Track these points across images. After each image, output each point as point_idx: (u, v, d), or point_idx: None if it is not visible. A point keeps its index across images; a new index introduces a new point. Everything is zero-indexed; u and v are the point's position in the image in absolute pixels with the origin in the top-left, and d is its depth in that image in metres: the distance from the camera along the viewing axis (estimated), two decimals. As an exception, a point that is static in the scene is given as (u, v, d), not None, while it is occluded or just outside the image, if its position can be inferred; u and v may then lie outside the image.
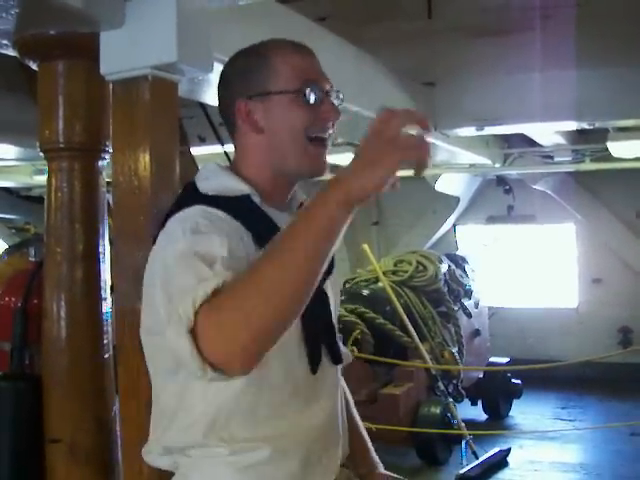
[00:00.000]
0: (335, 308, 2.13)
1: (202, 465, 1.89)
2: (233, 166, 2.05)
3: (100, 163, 2.81)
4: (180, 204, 1.93)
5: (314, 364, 1.93)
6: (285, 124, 1.95)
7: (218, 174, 2.01)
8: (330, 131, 2.00)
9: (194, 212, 1.84)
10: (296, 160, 1.97)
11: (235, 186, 1.96)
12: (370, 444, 2.34)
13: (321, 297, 1.96)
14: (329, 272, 2.04)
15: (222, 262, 1.66)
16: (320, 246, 1.56)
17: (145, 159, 2.44)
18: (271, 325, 1.58)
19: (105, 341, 2.80)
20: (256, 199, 1.95)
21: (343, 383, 2.31)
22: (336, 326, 2.10)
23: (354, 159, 1.55)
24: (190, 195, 1.97)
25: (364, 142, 1.55)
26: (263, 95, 1.96)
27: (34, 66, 2.81)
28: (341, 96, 2.04)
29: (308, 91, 1.94)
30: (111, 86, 2.57)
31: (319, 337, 1.96)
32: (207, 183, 1.98)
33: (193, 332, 1.57)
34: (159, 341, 1.77)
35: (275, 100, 1.96)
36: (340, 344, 2.28)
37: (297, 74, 1.96)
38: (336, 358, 2.01)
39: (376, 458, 2.33)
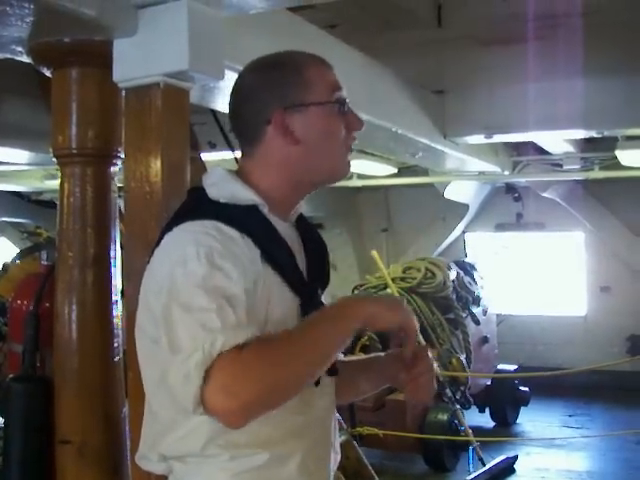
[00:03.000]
0: None
1: (198, 471, 1.89)
2: (242, 173, 2.03)
3: (112, 169, 2.85)
4: (192, 210, 1.94)
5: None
6: (325, 134, 1.99)
7: (227, 181, 2.00)
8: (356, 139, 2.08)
9: (207, 231, 1.83)
10: (333, 167, 2.04)
11: (245, 195, 1.95)
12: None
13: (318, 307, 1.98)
14: (325, 284, 2.10)
15: (243, 307, 1.74)
16: (337, 347, 1.84)
17: (156, 165, 2.47)
18: (280, 400, 1.77)
19: (115, 344, 2.83)
20: (264, 210, 1.96)
21: None
22: None
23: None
24: (201, 201, 1.97)
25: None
26: (300, 106, 1.98)
27: (48, 73, 2.85)
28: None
29: (342, 102, 2.00)
30: (123, 93, 2.60)
31: None
32: (217, 190, 1.97)
33: (210, 372, 1.66)
34: (152, 347, 1.81)
35: (312, 111, 1.98)
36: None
37: (329, 86, 2.01)
38: (332, 370, 1.98)
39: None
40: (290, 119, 1.98)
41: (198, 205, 1.96)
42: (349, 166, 2.08)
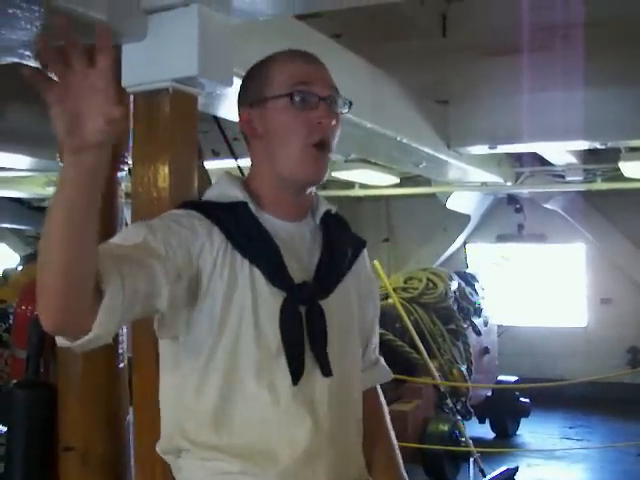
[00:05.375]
0: (346, 322, 2.05)
1: (184, 466, 1.92)
2: (247, 176, 2.07)
3: (119, 174, 2.84)
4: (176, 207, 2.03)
5: (294, 375, 1.88)
6: (277, 128, 1.96)
7: (223, 182, 2.04)
8: (329, 137, 1.96)
9: (173, 211, 1.96)
10: (289, 164, 1.95)
11: (230, 193, 1.97)
12: (397, 461, 2.24)
13: (312, 307, 1.92)
14: (334, 284, 2.01)
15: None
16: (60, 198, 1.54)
17: (164, 171, 2.47)
18: (56, 278, 1.55)
19: (119, 350, 2.82)
20: (251, 207, 1.96)
21: (381, 398, 2.27)
22: (344, 339, 2.03)
23: None
24: (187, 201, 2.07)
25: None
26: (260, 102, 1.98)
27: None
28: (347, 103, 2.02)
29: (296, 94, 1.94)
30: (132, 98, 2.60)
31: (298, 347, 1.89)
32: (210, 191, 2.05)
33: None
34: None
35: (269, 105, 1.97)
36: (379, 359, 2.27)
37: (289, 79, 1.96)
38: (325, 371, 1.93)
39: (401, 474, 2.23)
40: (252, 115, 2.00)
41: (184, 202, 2.04)
42: (317, 167, 1.97)
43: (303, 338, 1.90)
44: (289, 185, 2.00)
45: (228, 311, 1.85)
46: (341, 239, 2.11)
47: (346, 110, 2.03)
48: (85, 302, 1.59)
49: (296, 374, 1.88)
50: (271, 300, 1.88)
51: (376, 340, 2.27)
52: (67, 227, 1.52)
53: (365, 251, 2.23)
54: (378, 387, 2.28)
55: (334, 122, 1.96)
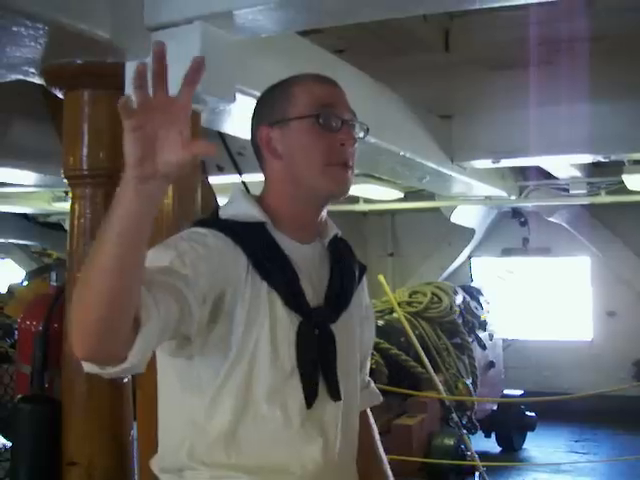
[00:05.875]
0: (349, 346, 2.08)
1: None
2: (261, 194, 2.06)
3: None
4: (194, 224, 1.99)
5: (308, 398, 1.91)
6: (301, 148, 1.97)
7: (238, 199, 2.03)
8: (349, 159, 1.99)
9: (195, 230, 1.91)
10: (313, 181, 1.97)
11: (249, 212, 1.97)
12: None
13: (324, 332, 1.96)
14: (343, 308, 2.04)
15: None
16: (117, 231, 1.52)
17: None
18: (100, 311, 1.53)
19: (124, 366, 2.83)
20: (269, 227, 1.97)
21: (372, 419, 2.33)
22: (349, 363, 2.07)
23: None
24: (207, 218, 2.04)
25: None
26: (282, 122, 1.99)
27: (60, 94, 2.87)
28: (365, 128, 2.06)
29: (323, 116, 1.96)
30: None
31: (314, 372, 1.93)
32: (226, 209, 2.02)
33: None
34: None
35: (292, 126, 1.98)
36: (371, 382, 2.32)
37: (314, 101, 1.98)
38: (335, 395, 1.97)
39: None
40: (274, 135, 2.00)
41: (201, 221, 2.01)
42: (341, 183, 1.99)
43: (317, 362, 1.94)
44: (312, 202, 2.02)
45: (248, 333, 1.86)
46: (349, 264, 2.14)
47: (362, 135, 2.06)
48: (126, 330, 1.57)
49: (311, 398, 1.91)
50: (287, 323, 1.90)
51: (369, 364, 2.32)
52: (119, 255, 1.51)
53: (365, 276, 2.24)
54: (368, 409, 2.33)
55: (355, 145, 2.00)
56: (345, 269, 2.10)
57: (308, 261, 2.01)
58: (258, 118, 2.06)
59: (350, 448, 2.07)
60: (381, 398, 2.35)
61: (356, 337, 2.13)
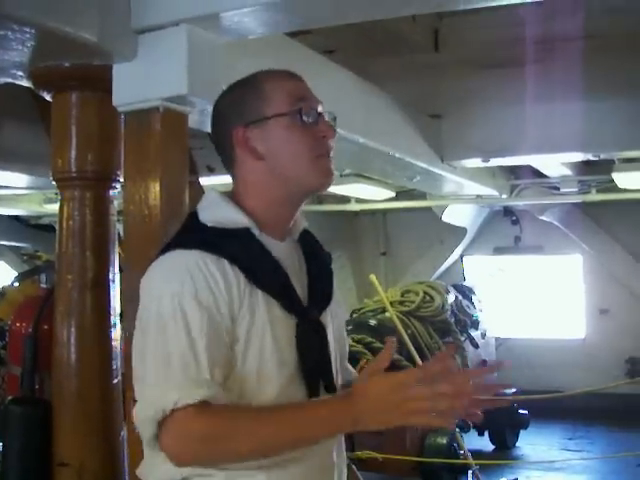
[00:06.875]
0: (335, 339, 2.11)
1: None
2: (233, 197, 2.03)
3: (111, 192, 2.87)
4: (180, 236, 1.97)
5: (311, 395, 1.93)
6: (285, 146, 1.96)
7: (219, 204, 2.00)
8: (330, 149, 2.00)
9: (191, 264, 1.83)
10: (302, 176, 1.97)
11: (234, 218, 1.95)
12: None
13: (317, 329, 1.98)
14: (327, 303, 2.07)
15: (213, 365, 1.78)
16: (310, 439, 1.83)
17: (155, 188, 2.50)
18: (223, 462, 1.82)
19: (114, 367, 2.84)
20: (255, 232, 1.95)
21: None
22: (336, 357, 2.10)
23: (376, 388, 1.76)
24: (190, 227, 1.99)
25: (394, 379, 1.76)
26: (259, 121, 1.97)
27: (48, 97, 2.88)
28: (334, 117, 2.05)
29: (303, 111, 1.96)
30: (123, 117, 2.63)
31: (316, 370, 1.96)
32: (207, 213, 1.98)
33: (165, 420, 1.74)
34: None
35: (272, 124, 1.97)
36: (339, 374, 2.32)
37: (290, 97, 1.98)
38: (331, 389, 1.99)
39: None
40: (251, 135, 1.98)
41: (187, 231, 1.99)
42: (329, 174, 2.00)
43: (318, 360, 1.98)
44: (295, 199, 2.02)
45: (252, 340, 1.86)
46: (324, 259, 2.15)
47: (334, 124, 2.05)
48: None
49: (313, 394, 1.94)
50: (285, 324, 1.92)
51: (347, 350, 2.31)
52: (298, 445, 1.82)
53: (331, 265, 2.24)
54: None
55: (335, 135, 2.02)
56: (322, 264, 2.11)
57: (289, 259, 2.02)
58: (227, 119, 2.03)
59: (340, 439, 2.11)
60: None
61: (335, 331, 2.14)
